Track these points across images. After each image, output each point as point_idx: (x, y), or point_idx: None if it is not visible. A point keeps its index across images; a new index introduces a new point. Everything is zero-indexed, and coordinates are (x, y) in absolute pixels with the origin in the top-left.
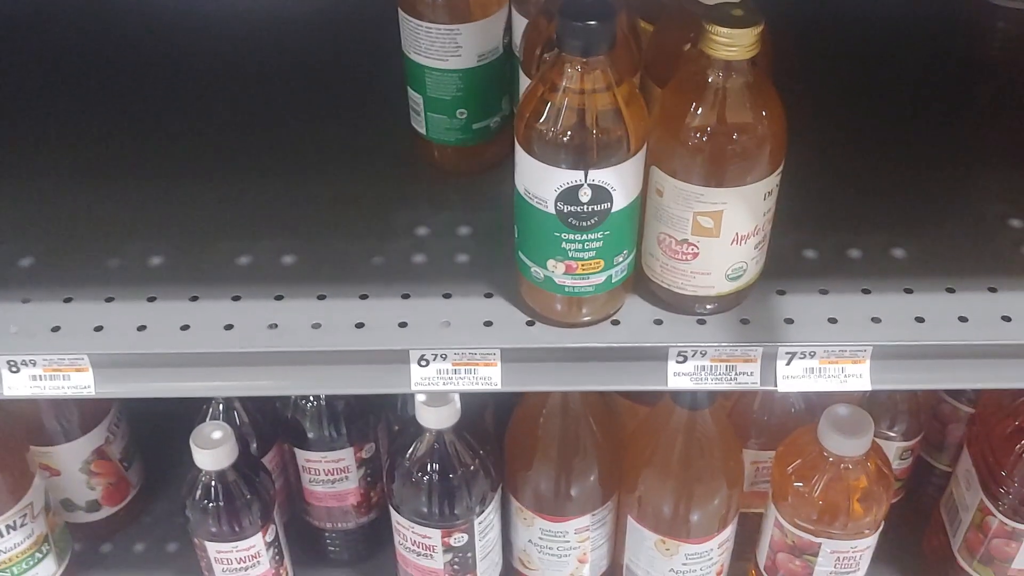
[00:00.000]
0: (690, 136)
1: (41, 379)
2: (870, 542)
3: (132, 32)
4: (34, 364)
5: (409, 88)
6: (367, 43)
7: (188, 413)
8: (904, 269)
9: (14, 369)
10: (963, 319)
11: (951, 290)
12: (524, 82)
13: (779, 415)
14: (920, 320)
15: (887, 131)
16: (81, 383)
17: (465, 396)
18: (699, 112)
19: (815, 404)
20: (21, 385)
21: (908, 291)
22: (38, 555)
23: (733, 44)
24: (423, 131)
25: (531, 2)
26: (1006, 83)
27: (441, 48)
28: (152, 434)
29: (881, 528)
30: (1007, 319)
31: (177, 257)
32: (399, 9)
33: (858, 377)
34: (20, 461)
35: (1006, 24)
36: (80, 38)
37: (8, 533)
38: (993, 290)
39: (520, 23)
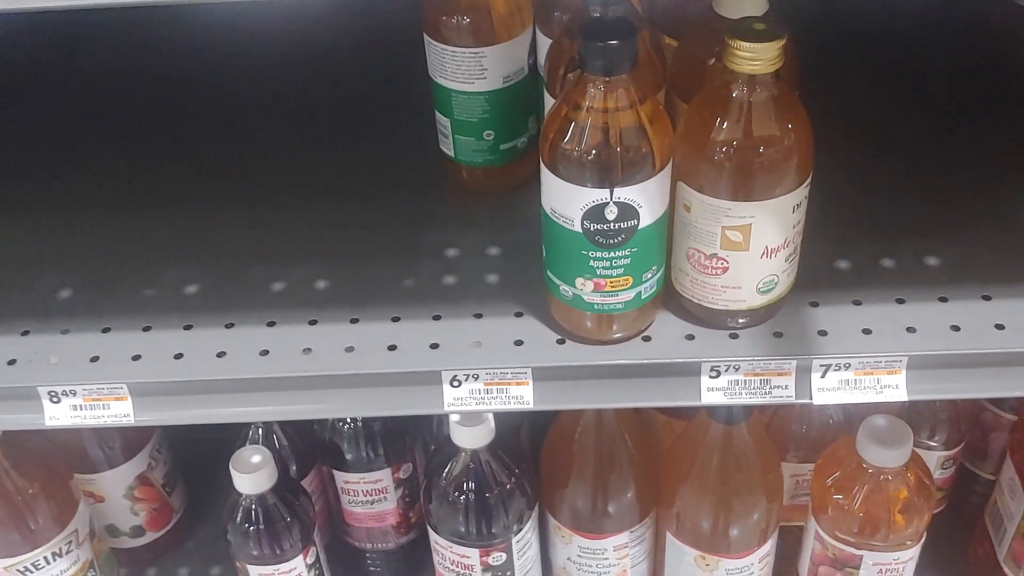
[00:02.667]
0: (716, 151)
1: (81, 409)
2: (912, 553)
3: (163, 63)
4: (74, 394)
5: (437, 111)
6: (395, 68)
7: (229, 437)
8: (938, 277)
9: (55, 399)
10: (1000, 327)
11: (987, 297)
12: (549, 102)
13: (818, 427)
14: (956, 328)
15: (917, 138)
16: (121, 412)
17: (500, 414)
18: (724, 127)
19: (854, 415)
20: (62, 415)
21: (943, 299)
22: None
23: (756, 58)
24: (451, 153)
25: (555, 22)
26: None
27: (467, 71)
28: (194, 459)
29: (923, 539)
30: None
31: (212, 285)
32: (424, 33)
33: (894, 388)
34: (64, 489)
35: None
36: (112, 70)
37: (54, 560)
38: None
39: (545, 43)
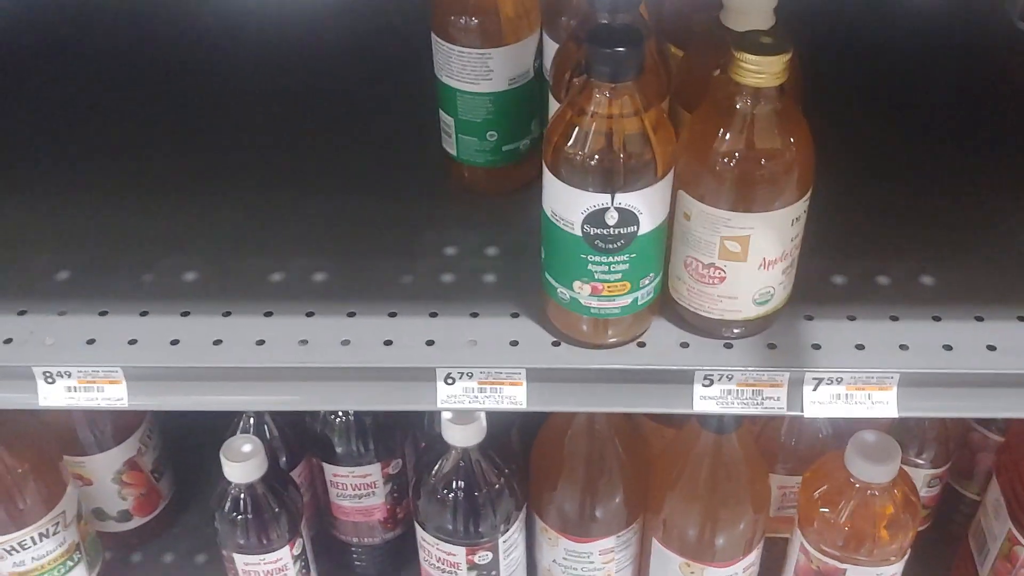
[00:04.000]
0: (718, 161)
1: (76, 391)
2: (896, 569)
3: (170, 52)
4: (69, 376)
5: (441, 110)
6: (401, 65)
7: (219, 426)
8: (932, 296)
9: (50, 380)
10: (991, 348)
11: (980, 318)
12: (553, 106)
13: (807, 440)
14: (948, 348)
15: (917, 158)
16: (115, 395)
17: (491, 414)
18: (727, 138)
19: (843, 430)
20: (56, 396)
21: (936, 319)
22: (69, 563)
23: (762, 71)
24: (454, 152)
25: (562, 26)
26: None
27: (473, 72)
28: (183, 446)
29: (907, 555)
30: None
31: (211, 273)
32: (432, 33)
33: (885, 404)
34: (54, 470)
35: None
36: (119, 55)
37: (41, 541)
38: (1023, 319)
39: (551, 47)
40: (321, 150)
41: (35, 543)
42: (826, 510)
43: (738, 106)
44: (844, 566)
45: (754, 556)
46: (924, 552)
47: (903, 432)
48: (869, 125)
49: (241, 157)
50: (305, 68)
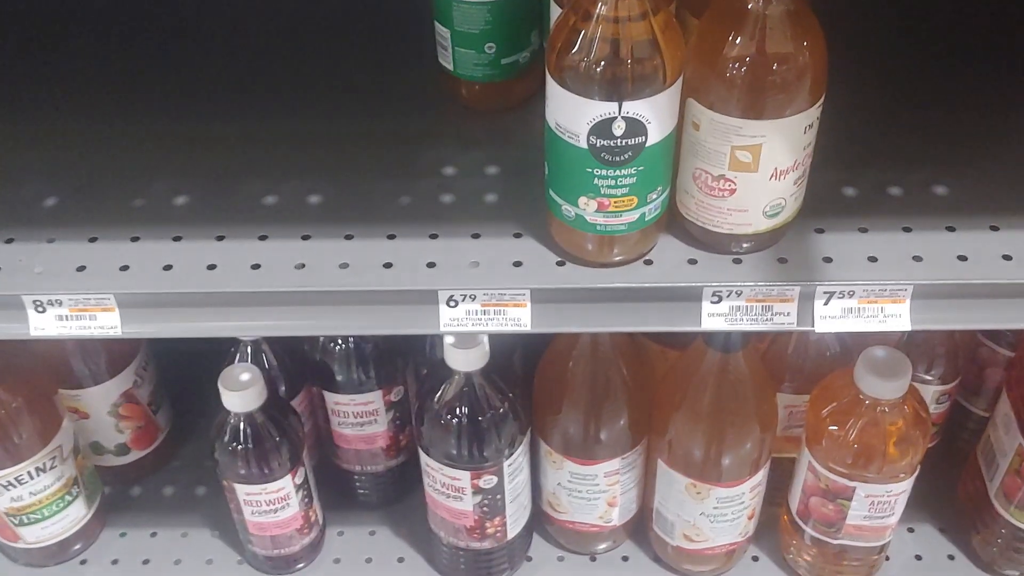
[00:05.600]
0: (728, 66)
1: (67, 319)
2: (905, 486)
3: None
4: (60, 304)
5: (436, 22)
6: None
7: (216, 356)
8: (946, 206)
9: (40, 309)
10: (1007, 257)
11: (995, 228)
12: (555, 12)
13: (814, 358)
14: (962, 259)
15: (930, 65)
16: (108, 323)
17: (493, 337)
18: (738, 41)
19: (851, 347)
20: (48, 325)
21: (950, 229)
22: (68, 497)
23: None
24: (450, 67)
25: None
26: None
27: None
28: (180, 378)
29: (917, 472)
30: None
31: (202, 196)
32: None
33: (897, 317)
34: (49, 404)
35: None
36: None
37: (38, 475)
38: None
39: None
40: (312, 67)
41: (32, 478)
42: (835, 428)
43: (749, 7)
44: (853, 484)
45: (761, 476)
46: (931, 469)
47: (912, 348)
48: (880, 31)
49: (228, 75)
50: None
